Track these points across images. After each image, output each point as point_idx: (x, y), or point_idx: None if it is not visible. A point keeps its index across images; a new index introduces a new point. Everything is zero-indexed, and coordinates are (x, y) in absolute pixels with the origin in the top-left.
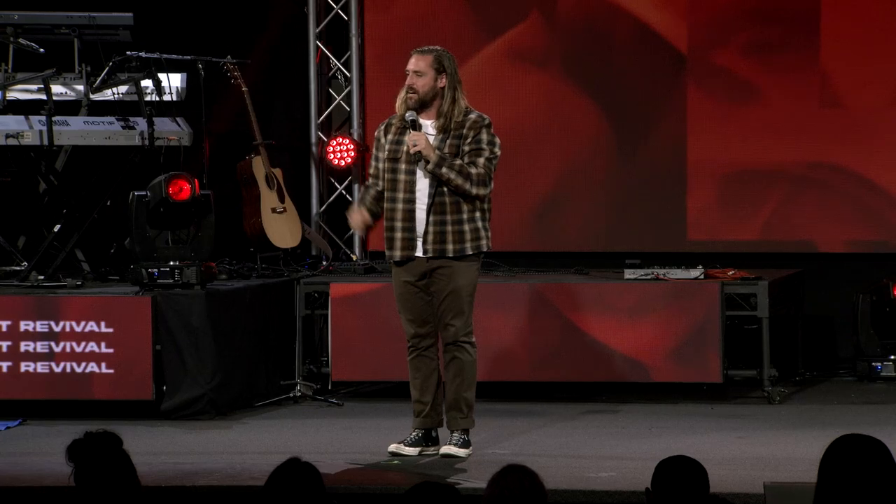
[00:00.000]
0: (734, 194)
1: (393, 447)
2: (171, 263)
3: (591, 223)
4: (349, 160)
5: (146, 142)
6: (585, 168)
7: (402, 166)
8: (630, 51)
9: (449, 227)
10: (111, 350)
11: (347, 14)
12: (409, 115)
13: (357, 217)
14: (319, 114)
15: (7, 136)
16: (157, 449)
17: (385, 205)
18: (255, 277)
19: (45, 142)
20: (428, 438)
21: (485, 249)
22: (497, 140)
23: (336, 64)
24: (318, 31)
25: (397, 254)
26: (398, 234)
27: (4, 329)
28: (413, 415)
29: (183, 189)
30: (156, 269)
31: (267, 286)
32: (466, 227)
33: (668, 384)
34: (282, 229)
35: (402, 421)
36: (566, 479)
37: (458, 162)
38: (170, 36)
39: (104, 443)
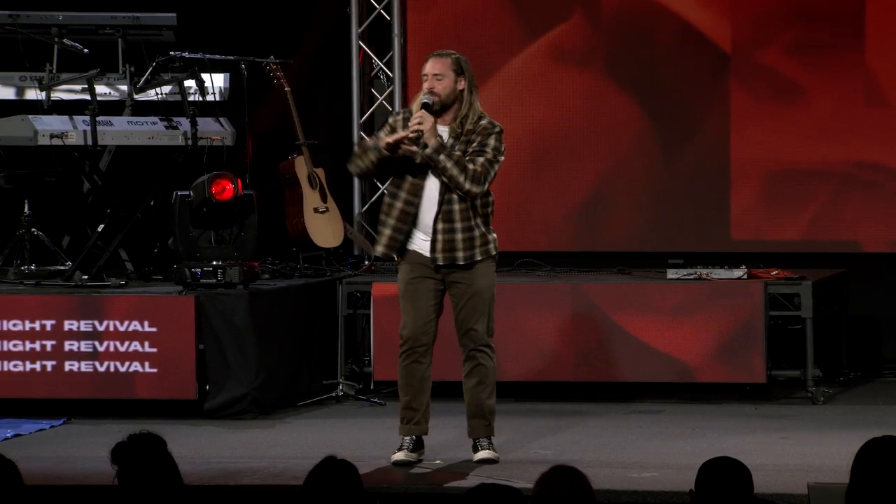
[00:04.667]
0: (778, 194)
1: (400, 455)
2: (214, 263)
3: (634, 223)
4: None
5: (189, 142)
6: (628, 168)
7: (414, 168)
8: (673, 50)
9: (459, 235)
10: (154, 349)
11: (390, 14)
12: (425, 98)
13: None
14: (362, 114)
15: (52, 137)
16: (200, 448)
17: (385, 198)
18: (298, 277)
19: (89, 142)
20: (419, 444)
21: (493, 253)
22: (503, 148)
23: (378, 64)
24: (360, 31)
25: (380, 249)
26: (387, 231)
27: (49, 328)
28: (401, 421)
29: (226, 189)
30: (199, 269)
31: (309, 286)
32: (476, 233)
33: (711, 384)
34: (324, 229)
35: (444, 420)
36: (609, 480)
37: (457, 154)
38: (213, 36)
39: (148, 445)
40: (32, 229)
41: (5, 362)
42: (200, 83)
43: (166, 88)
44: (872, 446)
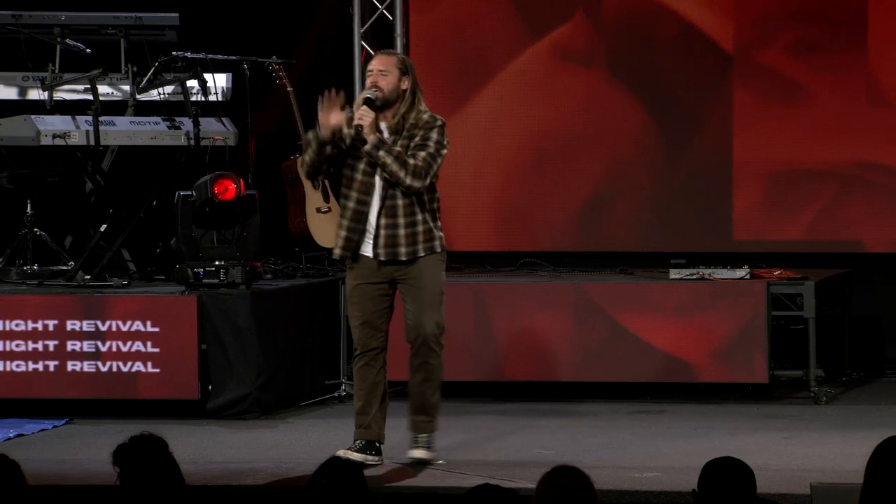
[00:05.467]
0: (780, 194)
1: (341, 452)
2: (217, 263)
3: (636, 223)
4: None
5: (192, 142)
6: (630, 168)
7: (361, 166)
8: (676, 50)
9: (401, 231)
10: (157, 349)
11: (392, 14)
12: (368, 93)
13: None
14: None
15: (54, 137)
16: (202, 448)
17: (340, 200)
18: (300, 277)
19: (92, 142)
20: (371, 447)
21: (438, 250)
22: (446, 142)
23: None
24: (362, 31)
25: (336, 252)
26: (342, 233)
27: (51, 328)
28: (354, 425)
29: (228, 189)
30: (201, 269)
31: (312, 286)
32: (420, 229)
33: (713, 384)
34: (326, 229)
35: (446, 420)
36: (611, 480)
37: (398, 149)
38: (215, 36)
39: (149, 446)
40: (35, 229)
41: (8, 362)
42: (203, 83)
43: (169, 88)
44: (888, 446)
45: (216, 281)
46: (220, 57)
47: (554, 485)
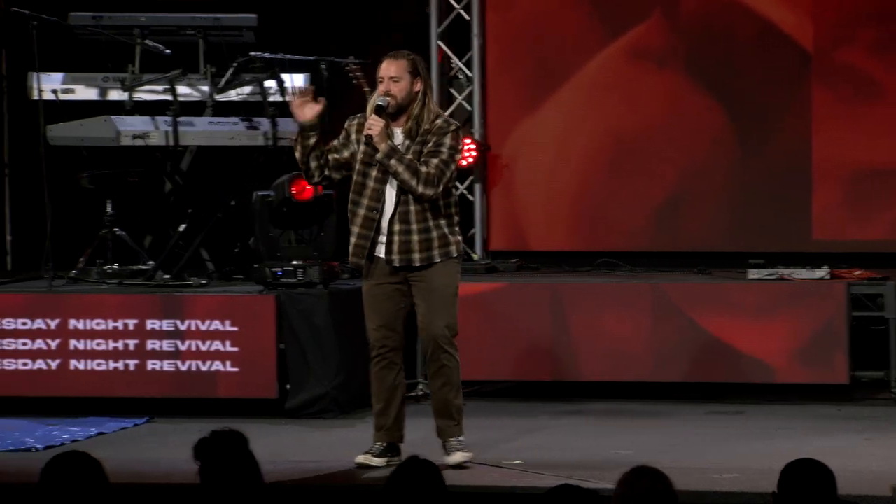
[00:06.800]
0: (860, 193)
1: (361, 458)
2: (295, 263)
3: (714, 223)
4: (471, 160)
5: (269, 142)
6: (708, 167)
7: (373, 173)
8: (754, 49)
9: (415, 236)
10: (236, 349)
11: (469, 14)
12: (380, 100)
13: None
14: None
15: (134, 137)
16: (281, 447)
17: (349, 206)
18: None
19: (171, 142)
20: (392, 449)
21: (454, 255)
22: (461, 147)
23: (458, 64)
24: (439, 31)
25: (351, 259)
26: (352, 240)
27: (131, 327)
28: (374, 427)
29: (306, 189)
30: (279, 269)
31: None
32: (434, 234)
33: (792, 385)
34: None
35: (523, 422)
36: (690, 481)
37: (409, 157)
38: (293, 37)
39: (230, 442)
40: (115, 229)
41: (89, 361)
42: (281, 83)
43: (247, 89)
44: None
45: (294, 280)
46: (297, 57)
47: (634, 485)
